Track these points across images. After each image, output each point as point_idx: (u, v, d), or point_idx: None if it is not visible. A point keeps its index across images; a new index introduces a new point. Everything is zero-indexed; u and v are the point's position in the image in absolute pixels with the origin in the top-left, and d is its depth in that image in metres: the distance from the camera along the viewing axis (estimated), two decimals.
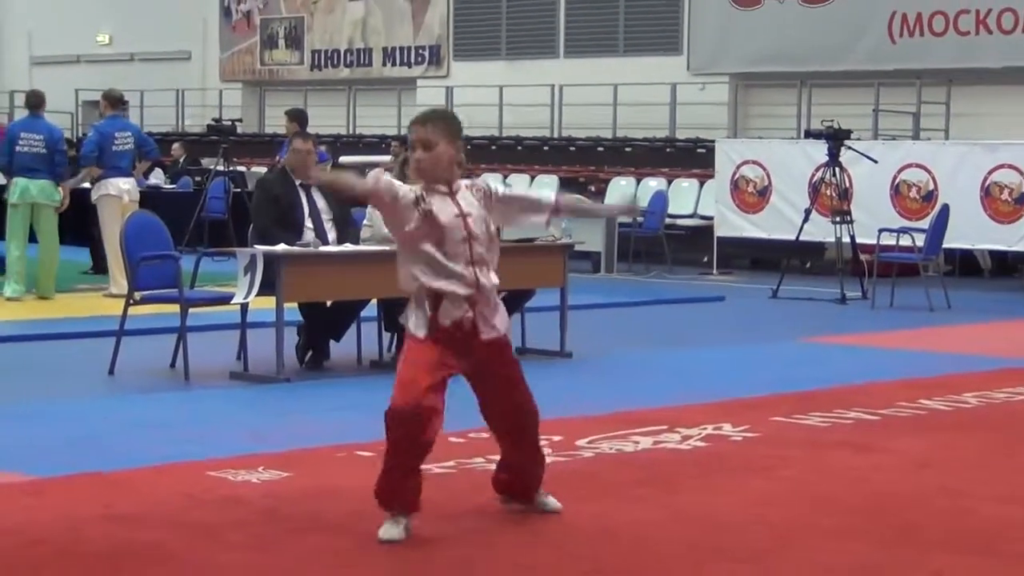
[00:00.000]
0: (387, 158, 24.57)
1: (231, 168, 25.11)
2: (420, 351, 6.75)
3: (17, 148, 16.33)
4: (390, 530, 6.43)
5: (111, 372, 11.33)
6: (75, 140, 24.34)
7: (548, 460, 8.22)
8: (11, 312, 15.12)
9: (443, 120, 6.87)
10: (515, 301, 12.82)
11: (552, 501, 7.00)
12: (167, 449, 8.54)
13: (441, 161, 6.69)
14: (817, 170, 20.22)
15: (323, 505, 7.11)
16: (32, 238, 16.40)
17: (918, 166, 20.50)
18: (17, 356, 12.59)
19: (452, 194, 6.73)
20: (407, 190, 6.76)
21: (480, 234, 6.77)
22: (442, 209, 6.67)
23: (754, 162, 21.81)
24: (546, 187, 25.25)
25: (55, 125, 17.42)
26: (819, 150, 19.72)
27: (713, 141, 23.31)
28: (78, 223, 18.02)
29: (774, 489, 7.76)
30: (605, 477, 7.93)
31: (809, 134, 20.55)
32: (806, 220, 19.25)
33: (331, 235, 11.88)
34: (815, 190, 20.28)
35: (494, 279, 6.99)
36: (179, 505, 7.01)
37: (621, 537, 6.63)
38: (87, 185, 17.51)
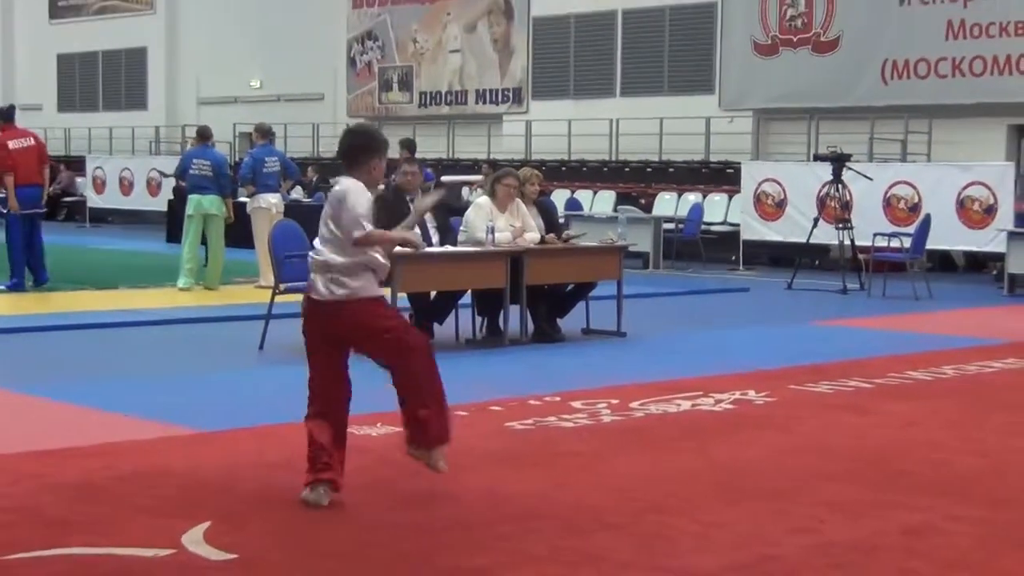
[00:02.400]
0: (479, 177, 24.64)
1: None
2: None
3: (191, 171, 16.52)
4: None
5: (261, 347, 11.37)
6: (233, 164, 24.49)
7: (607, 420, 8.23)
8: (184, 300, 15.24)
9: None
10: (581, 291, 12.81)
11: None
12: (304, 408, 8.55)
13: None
14: (824, 186, 20.19)
15: None
16: (201, 241, 16.55)
17: (906, 183, 20.33)
18: (187, 334, 12.66)
19: None
20: None
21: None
22: None
23: (773, 180, 21.70)
24: (606, 201, 25.24)
25: (220, 152, 17.59)
26: (825, 170, 19.69)
27: (739, 163, 23.23)
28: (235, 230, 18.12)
29: (789, 442, 7.70)
30: (653, 432, 7.89)
31: (817, 157, 20.55)
32: (815, 226, 19.20)
33: (434, 238, 11.88)
34: (822, 202, 20.27)
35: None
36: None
37: (667, 481, 6.59)
38: (244, 199, 17.63)
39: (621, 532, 5.57)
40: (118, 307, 14.31)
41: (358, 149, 6.22)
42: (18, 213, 15.67)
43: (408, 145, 19.82)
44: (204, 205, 16.45)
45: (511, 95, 29.96)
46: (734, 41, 25.66)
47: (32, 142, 16.00)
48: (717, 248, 22.99)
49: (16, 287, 15.62)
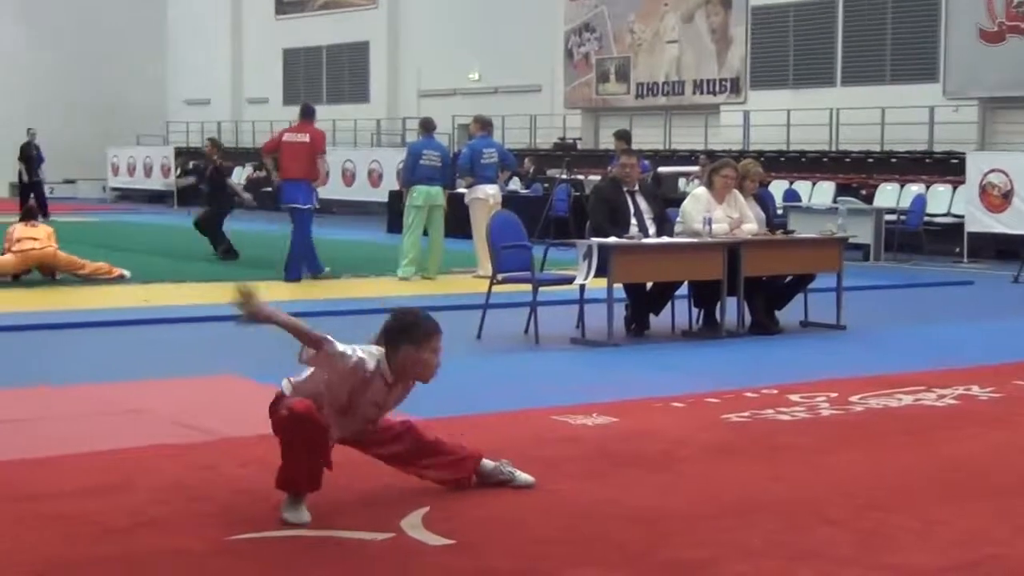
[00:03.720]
0: (696, 168, 24.49)
1: (572, 177, 25.31)
2: None
3: (421, 162, 16.76)
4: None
5: (478, 336, 11.49)
6: (452, 155, 24.79)
7: (826, 413, 8.11)
8: (404, 289, 15.48)
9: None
10: (800, 283, 12.64)
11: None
12: (521, 397, 8.63)
13: None
14: None
15: (644, 444, 7.09)
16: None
17: None
18: None
19: None
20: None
21: None
22: None
23: (999, 170, 21.06)
24: (826, 192, 24.85)
25: (444, 144, 17.86)
26: None
27: (964, 153, 22.63)
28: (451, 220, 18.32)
29: (1015, 440, 7.47)
30: (873, 427, 7.74)
31: None
32: None
33: (651, 230, 11.85)
34: None
35: None
36: (530, 442, 7.07)
37: (887, 476, 6.46)
38: (463, 190, 17.85)
39: (841, 528, 5.49)
40: (339, 296, 14.61)
41: (388, 332, 5.78)
42: (305, 208, 16.03)
43: (624, 136, 19.82)
44: (432, 195, 16.70)
45: (729, 85, 29.69)
46: (959, 28, 24.98)
47: (307, 139, 16.17)
48: (940, 240, 22.44)
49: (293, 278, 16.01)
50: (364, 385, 5.66)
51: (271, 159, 16.64)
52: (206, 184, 20.22)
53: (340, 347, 5.61)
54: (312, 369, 5.73)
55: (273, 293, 14.77)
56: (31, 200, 17.18)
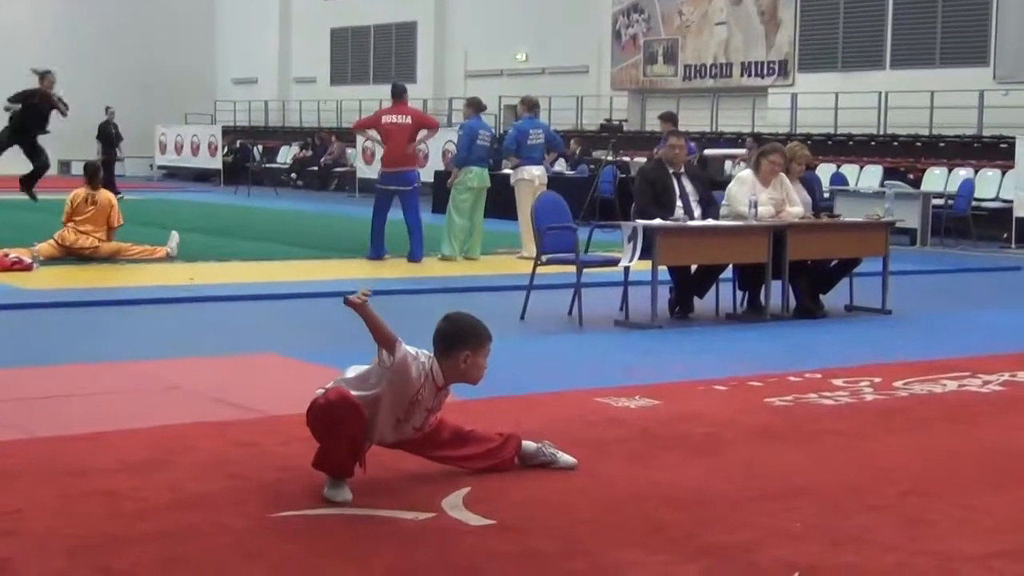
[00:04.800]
0: (743, 151, 24.38)
1: (618, 158, 25.27)
2: None
3: (477, 142, 16.72)
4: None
5: (522, 317, 11.49)
6: (498, 136, 24.77)
7: (870, 398, 8.06)
8: (446, 269, 15.50)
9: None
10: (845, 267, 12.58)
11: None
12: (564, 379, 8.63)
13: None
14: None
15: (686, 427, 7.08)
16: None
17: None
18: (448, 304, 12.86)
19: None
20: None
21: None
22: None
23: None
24: (873, 176, 24.70)
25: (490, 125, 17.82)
26: None
27: (1014, 138, 22.40)
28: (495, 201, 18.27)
29: None
30: (917, 412, 7.70)
31: None
32: None
33: (696, 212, 11.81)
34: None
35: None
36: (573, 423, 7.07)
37: (931, 462, 6.43)
38: (508, 171, 17.81)
39: (883, 513, 5.45)
40: (382, 276, 14.64)
41: (447, 337, 5.84)
42: (383, 189, 16.09)
43: (670, 118, 19.74)
44: (484, 178, 16.68)
45: (777, 68, 29.51)
46: (1011, 11, 24.75)
47: (408, 120, 16.10)
48: (988, 225, 22.27)
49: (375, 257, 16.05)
50: (421, 389, 5.71)
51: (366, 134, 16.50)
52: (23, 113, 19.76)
53: (411, 350, 5.71)
54: (366, 370, 5.77)
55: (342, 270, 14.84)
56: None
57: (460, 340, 5.80)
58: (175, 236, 15.79)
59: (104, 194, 15.51)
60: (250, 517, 5.23)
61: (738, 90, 30.28)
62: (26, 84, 20.26)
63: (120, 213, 15.50)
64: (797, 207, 12.04)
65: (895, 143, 25.79)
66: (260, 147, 38.86)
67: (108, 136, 29.75)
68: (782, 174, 12.08)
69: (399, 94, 16.38)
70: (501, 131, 29.54)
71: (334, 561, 4.75)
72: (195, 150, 38.73)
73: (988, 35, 25.48)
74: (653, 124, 28.10)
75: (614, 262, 11.59)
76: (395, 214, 16.15)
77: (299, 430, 6.01)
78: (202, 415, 7.18)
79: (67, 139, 27.51)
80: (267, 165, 37.86)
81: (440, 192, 23.54)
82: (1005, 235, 21.66)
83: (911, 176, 24.25)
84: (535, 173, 17.02)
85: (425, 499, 5.49)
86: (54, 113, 19.97)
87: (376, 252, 16.10)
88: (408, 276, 14.63)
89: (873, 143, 26.19)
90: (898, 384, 8.51)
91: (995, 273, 17.37)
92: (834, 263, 12.52)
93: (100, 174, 16.05)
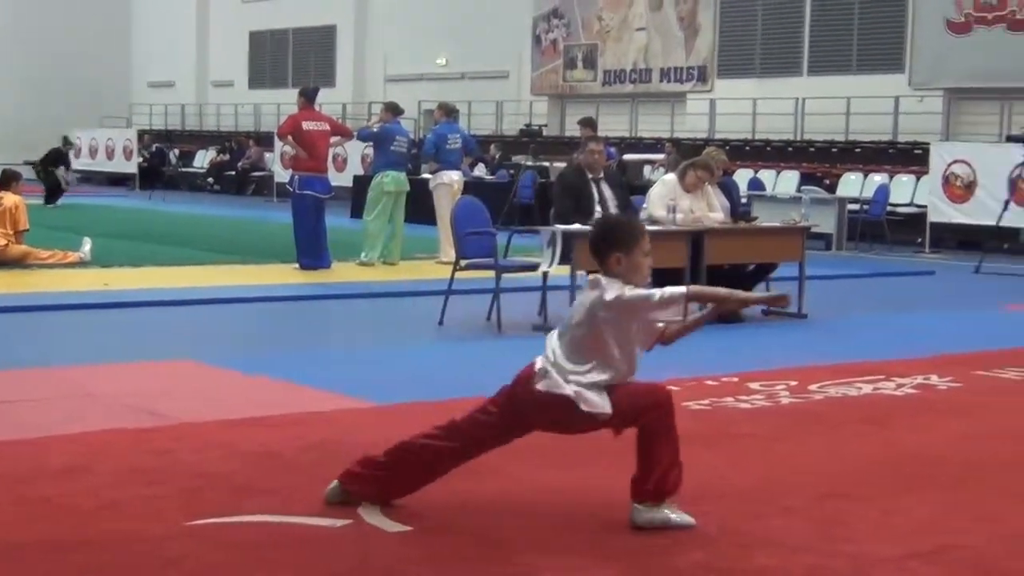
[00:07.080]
0: (661, 156, 24.55)
1: (537, 164, 25.32)
2: None
3: (392, 147, 16.66)
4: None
5: (441, 322, 11.49)
6: (416, 141, 24.75)
7: (786, 402, 8.15)
8: (365, 275, 15.44)
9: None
10: (762, 272, 12.70)
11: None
12: (484, 383, 8.62)
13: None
14: (1016, 168, 19.74)
15: (600, 432, 7.09)
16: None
17: None
18: (369, 308, 12.86)
19: None
20: None
21: None
22: None
23: (962, 161, 21.21)
24: (790, 181, 24.96)
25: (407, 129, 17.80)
26: (1018, 151, 19.18)
27: (928, 144, 22.75)
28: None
29: (974, 429, 7.53)
30: (832, 416, 7.79)
31: (1010, 139, 20.09)
32: (1005, 209, 18.82)
33: None
34: (1013, 185, 19.82)
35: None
36: None
37: (845, 465, 6.50)
38: (427, 175, 17.81)
39: (798, 516, 5.52)
40: (302, 281, 14.59)
41: (592, 246, 5.46)
42: (305, 195, 15.65)
43: (589, 123, 19.84)
44: (401, 181, 16.61)
45: (696, 73, 29.73)
46: (926, 19, 25.09)
47: (327, 126, 16.07)
48: (903, 230, 22.56)
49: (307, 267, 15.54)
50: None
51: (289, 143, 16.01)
52: None
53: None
54: (578, 323, 5.39)
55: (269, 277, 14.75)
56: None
57: (606, 245, 5.32)
58: (88, 241, 15.65)
59: (9, 197, 15.35)
60: (167, 524, 5.19)
61: (657, 95, 30.47)
62: None
63: (26, 217, 15.35)
64: (718, 212, 12.14)
65: (812, 148, 26.06)
66: (177, 151, 38.59)
67: (67, 162, 29.96)
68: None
69: (312, 98, 16.32)
70: (420, 136, 29.51)
71: (251, 569, 4.74)
72: (110, 154, 38.36)
73: (904, 42, 25.80)
74: (573, 129, 28.21)
75: (533, 267, 11.62)
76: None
77: (217, 436, 5.99)
78: (118, 422, 7.11)
79: None
80: (184, 169, 37.61)
81: (359, 198, 23.47)
82: (919, 240, 21.96)
83: (827, 181, 24.54)
84: (454, 178, 17.04)
85: (341, 506, 5.48)
86: None
87: (317, 260, 15.61)
88: (326, 282, 14.57)
89: (790, 148, 26.44)
90: (813, 387, 8.61)
91: (909, 277, 17.60)
92: (751, 268, 12.64)
93: (17, 181, 15.87)
